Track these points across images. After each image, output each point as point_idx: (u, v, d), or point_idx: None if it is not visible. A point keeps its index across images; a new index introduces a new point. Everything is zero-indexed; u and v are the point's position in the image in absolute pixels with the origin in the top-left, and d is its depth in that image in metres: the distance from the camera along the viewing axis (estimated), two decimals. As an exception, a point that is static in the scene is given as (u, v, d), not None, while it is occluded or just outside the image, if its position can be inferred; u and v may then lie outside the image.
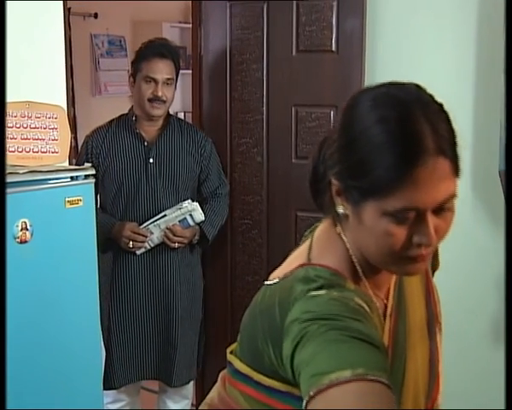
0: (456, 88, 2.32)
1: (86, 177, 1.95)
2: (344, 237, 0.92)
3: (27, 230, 1.77)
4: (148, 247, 2.43)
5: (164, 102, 2.43)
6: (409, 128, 0.80)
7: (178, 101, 4.58)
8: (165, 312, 2.44)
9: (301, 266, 0.91)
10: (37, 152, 1.94)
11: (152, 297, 2.44)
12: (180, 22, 4.99)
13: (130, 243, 2.37)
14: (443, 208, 0.83)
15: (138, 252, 2.42)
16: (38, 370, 1.81)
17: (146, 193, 2.42)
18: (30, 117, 1.93)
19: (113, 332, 2.45)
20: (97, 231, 1.97)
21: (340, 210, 0.89)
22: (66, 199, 1.87)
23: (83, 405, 1.92)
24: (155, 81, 2.41)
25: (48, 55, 2.05)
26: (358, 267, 0.91)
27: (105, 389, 2.43)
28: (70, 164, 2.08)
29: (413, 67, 2.41)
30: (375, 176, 0.81)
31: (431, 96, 0.86)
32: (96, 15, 4.52)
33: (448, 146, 0.82)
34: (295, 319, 0.82)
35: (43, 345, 1.82)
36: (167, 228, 2.38)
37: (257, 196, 2.68)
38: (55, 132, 1.98)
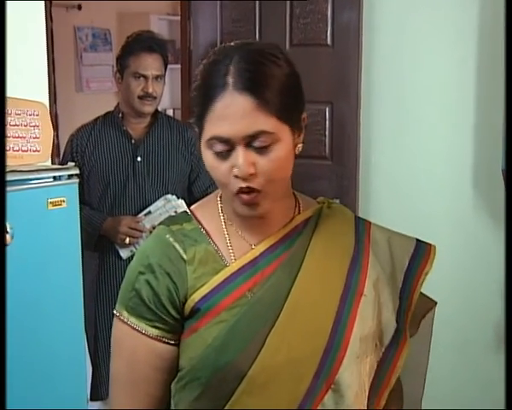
0: (458, 84, 2.33)
1: (70, 177, 1.94)
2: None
3: (7, 232, 1.76)
4: (135, 250, 2.42)
5: (155, 98, 2.43)
6: (214, 68, 0.97)
7: (167, 97, 4.58)
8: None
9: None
10: (18, 151, 1.93)
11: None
12: (168, 14, 4.98)
13: (127, 239, 2.36)
14: (258, 144, 0.95)
15: (124, 256, 2.41)
16: (21, 376, 1.80)
17: (134, 192, 2.42)
18: (10, 114, 1.92)
19: (100, 341, 2.44)
20: (82, 229, 1.96)
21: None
22: (49, 200, 1.87)
23: (67, 414, 1.91)
24: (145, 77, 2.41)
25: (28, 49, 2.04)
26: (221, 214, 1.07)
27: (92, 399, 2.43)
28: (53, 163, 2.08)
29: (412, 62, 2.42)
30: (195, 111, 1.00)
31: (272, 52, 0.98)
32: (79, 7, 4.50)
33: (253, 84, 0.95)
34: None
35: (25, 351, 1.81)
36: (153, 227, 2.38)
37: (249, 196, 2.68)
38: (36, 130, 1.97)
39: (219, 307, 1.00)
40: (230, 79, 0.95)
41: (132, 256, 2.37)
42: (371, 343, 1.05)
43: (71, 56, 4.56)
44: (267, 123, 0.95)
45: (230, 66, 0.96)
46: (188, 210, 1.10)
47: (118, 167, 2.42)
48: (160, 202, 2.41)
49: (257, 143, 0.95)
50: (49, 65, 2.13)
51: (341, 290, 1.04)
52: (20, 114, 1.94)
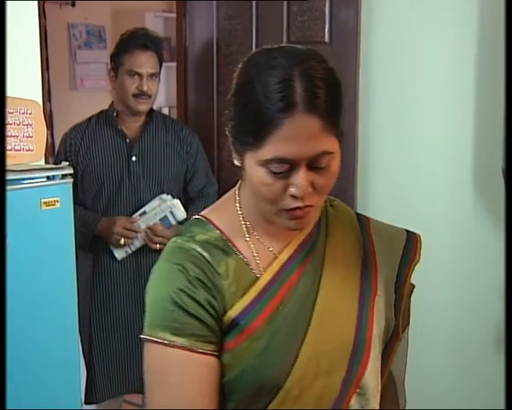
0: (457, 83, 2.33)
1: (63, 176, 1.93)
2: (237, 191, 1.06)
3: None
4: (130, 251, 2.42)
5: (149, 96, 2.44)
6: (280, 84, 0.91)
7: (162, 95, 4.57)
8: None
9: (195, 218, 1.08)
10: (11, 150, 1.93)
11: (136, 305, 2.43)
12: (164, 11, 4.97)
13: (122, 239, 2.36)
14: (319, 165, 0.94)
15: (119, 257, 2.41)
16: (14, 378, 1.79)
17: (128, 193, 2.42)
18: (2, 112, 1.92)
19: (94, 343, 2.44)
20: (76, 230, 1.96)
21: (236, 162, 1.00)
22: (42, 200, 1.86)
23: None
24: (140, 75, 2.41)
25: (21, 47, 2.03)
26: (243, 221, 1.04)
27: (86, 403, 2.43)
28: (46, 163, 2.07)
29: (411, 61, 2.42)
30: (249, 128, 0.94)
31: (319, 58, 0.97)
32: (73, 3, 4.50)
33: (321, 105, 0.92)
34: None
35: (18, 354, 1.80)
36: (148, 228, 2.38)
37: (246, 196, 2.68)
38: (29, 129, 1.96)
39: (256, 323, 0.98)
40: (299, 100, 0.90)
41: (129, 256, 2.41)
42: (380, 342, 1.06)
43: (65, 54, 4.55)
44: (329, 143, 0.94)
45: (294, 83, 0.91)
46: (200, 217, 1.06)
47: (112, 167, 2.42)
48: (155, 202, 2.41)
49: (318, 164, 0.94)
50: (42, 62, 2.13)
51: (358, 294, 1.05)
52: (12, 113, 1.93)
